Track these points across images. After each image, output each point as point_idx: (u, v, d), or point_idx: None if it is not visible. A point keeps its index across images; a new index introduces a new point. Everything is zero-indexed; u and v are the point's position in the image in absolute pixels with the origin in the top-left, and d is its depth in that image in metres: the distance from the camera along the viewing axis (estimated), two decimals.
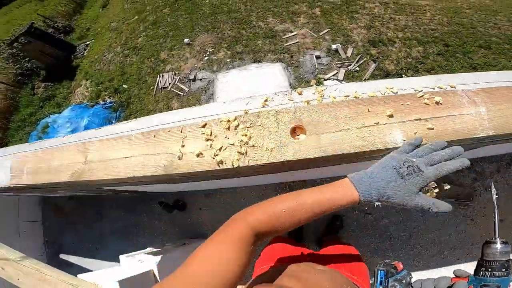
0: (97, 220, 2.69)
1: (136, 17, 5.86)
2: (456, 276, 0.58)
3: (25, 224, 2.58)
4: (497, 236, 0.56)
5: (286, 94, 0.88)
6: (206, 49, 4.56)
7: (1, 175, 1.37)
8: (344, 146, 0.66)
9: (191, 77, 4.44)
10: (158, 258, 1.69)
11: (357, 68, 3.45)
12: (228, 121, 0.73)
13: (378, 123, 0.67)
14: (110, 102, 4.67)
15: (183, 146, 0.75)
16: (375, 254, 2.08)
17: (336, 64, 3.63)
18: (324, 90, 0.85)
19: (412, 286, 0.62)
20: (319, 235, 2.16)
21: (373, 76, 3.33)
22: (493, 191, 0.62)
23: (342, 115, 0.70)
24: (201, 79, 4.37)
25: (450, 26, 3.70)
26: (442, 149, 0.56)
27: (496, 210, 0.59)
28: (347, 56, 3.64)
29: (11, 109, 5.97)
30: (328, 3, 4.38)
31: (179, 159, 0.73)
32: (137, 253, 1.86)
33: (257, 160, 0.69)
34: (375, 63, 3.47)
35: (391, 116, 0.68)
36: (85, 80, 5.37)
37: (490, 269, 0.53)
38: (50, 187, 1.35)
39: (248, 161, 0.69)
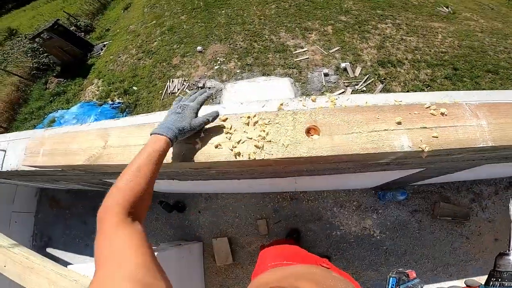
0: (92, 216, 2.69)
1: (154, 21, 6.08)
2: (467, 286, 0.60)
3: (17, 215, 2.56)
4: (510, 249, 0.60)
5: (301, 100, 0.94)
6: (218, 58, 4.69)
7: (12, 158, 1.42)
8: (355, 147, 0.71)
9: (200, 84, 4.52)
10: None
11: (364, 88, 3.53)
12: (248, 117, 0.79)
13: (387, 129, 0.73)
14: (119, 103, 4.76)
15: (202, 137, 0.80)
16: (370, 268, 2.08)
17: (344, 83, 3.72)
18: (336, 99, 0.91)
19: None
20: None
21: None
22: (511, 206, 0.66)
23: (354, 119, 0.75)
24: (209, 87, 4.47)
25: (460, 49, 3.79)
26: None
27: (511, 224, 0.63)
28: (355, 76, 3.74)
29: (20, 101, 6.09)
30: (341, 21, 4.54)
31: (199, 148, 0.78)
32: None
33: (272, 154, 0.73)
34: (382, 84, 3.56)
35: (399, 123, 0.73)
36: (98, 79, 5.50)
37: (500, 279, 0.56)
38: (59, 174, 1.39)
39: (264, 155, 0.74)
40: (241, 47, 4.71)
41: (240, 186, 1.88)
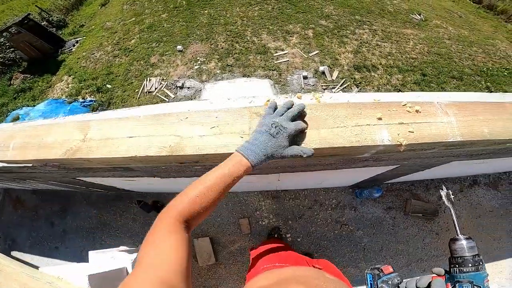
0: (61, 217, 2.52)
1: (133, 19, 5.88)
2: (435, 274, 0.61)
3: None
4: (459, 233, 0.62)
5: (287, 97, 0.97)
6: (198, 58, 4.63)
7: None
8: (341, 140, 0.74)
9: (179, 84, 4.43)
10: (133, 256, 1.61)
11: (341, 92, 3.68)
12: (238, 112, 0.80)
13: (369, 124, 0.77)
14: (90, 101, 4.54)
15: (191, 129, 0.79)
16: (350, 265, 2.16)
17: (322, 86, 3.85)
18: (321, 97, 0.95)
19: (399, 287, 0.66)
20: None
21: None
22: (443, 192, 0.70)
23: (339, 114, 0.79)
24: (188, 87, 4.38)
25: (429, 56, 4.08)
26: (292, 106, 0.72)
27: (452, 210, 0.67)
28: (332, 79, 3.89)
29: None
30: (321, 26, 4.70)
31: (186, 140, 0.77)
32: (108, 250, 1.74)
33: None
34: (357, 87, 3.74)
35: (380, 119, 0.78)
36: (68, 76, 5.21)
37: (457, 265, 0.57)
38: (28, 171, 1.30)
39: None
40: (222, 48, 4.70)
41: None
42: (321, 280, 0.69)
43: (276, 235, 2.23)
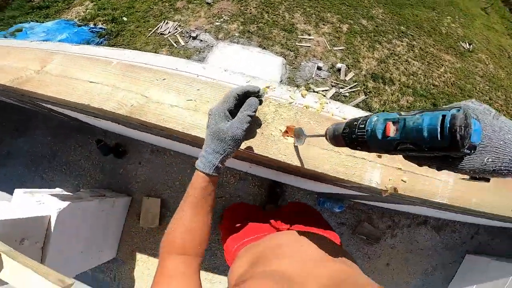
0: (13, 137, 2.27)
1: None
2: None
3: None
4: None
5: (290, 91, 0.83)
6: (222, 15, 4.35)
7: None
8: (327, 166, 0.64)
9: (193, 34, 4.24)
10: (64, 204, 1.35)
11: (347, 94, 3.54)
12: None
13: (365, 158, 0.67)
14: (100, 28, 4.39)
15: (164, 94, 0.66)
16: None
17: (332, 82, 3.70)
18: (326, 103, 0.82)
19: None
20: (263, 204, 2.18)
21: (356, 106, 3.45)
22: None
23: None
24: (201, 40, 4.16)
25: (451, 87, 3.90)
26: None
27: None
28: (345, 79, 3.72)
29: None
30: (360, 24, 4.38)
31: (153, 105, 0.64)
32: (40, 191, 1.49)
33: None
34: (365, 95, 3.60)
35: (380, 156, 0.67)
36: (90, 2, 4.86)
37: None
38: None
39: None
40: (250, 13, 4.39)
41: (194, 150, 1.74)
42: (297, 246, 0.65)
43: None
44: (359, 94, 3.55)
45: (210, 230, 0.57)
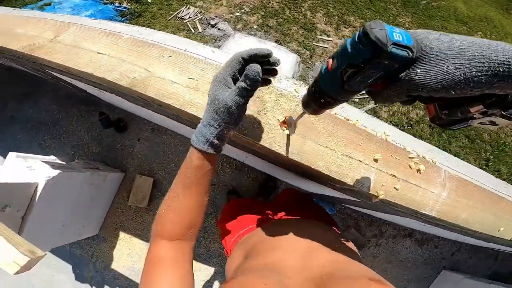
0: (19, 102, 2.29)
1: None
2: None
3: None
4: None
5: (295, 84, 0.82)
6: (244, 7, 4.35)
7: None
8: (320, 163, 0.63)
9: (212, 22, 4.26)
10: (55, 172, 1.30)
11: (357, 100, 3.50)
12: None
13: (361, 160, 0.66)
14: (124, 7, 4.52)
15: (168, 71, 0.66)
16: None
17: None
18: None
19: None
20: (255, 195, 2.16)
21: (367, 113, 3.39)
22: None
23: (337, 133, 0.66)
24: (219, 29, 4.18)
25: None
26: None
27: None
28: None
29: None
30: None
31: (154, 80, 0.64)
32: (33, 157, 1.44)
33: None
34: (375, 104, 3.54)
35: (376, 160, 0.67)
36: None
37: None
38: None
39: None
40: (272, 7, 4.36)
41: (192, 131, 1.72)
42: (286, 235, 0.63)
43: (234, 196, 2.15)
44: (369, 102, 3.49)
45: (204, 212, 0.54)
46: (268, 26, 4.14)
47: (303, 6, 4.39)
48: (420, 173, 0.69)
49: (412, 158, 0.69)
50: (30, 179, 1.20)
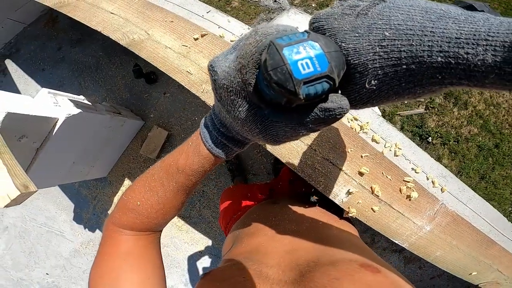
0: (71, 45, 2.49)
1: None
2: None
3: (9, 21, 2.33)
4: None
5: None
6: None
7: None
8: (295, 161, 0.59)
9: None
10: (76, 111, 1.30)
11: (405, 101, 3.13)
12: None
13: (344, 171, 0.59)
14: None
15: (166, 35, 0.65)
16: None
17: None
18: None
19: None
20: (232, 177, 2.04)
21: (410, 118, 3.04)
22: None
23: (325, 134, 0.60)
24: (275, 1, 3.94)
25: None
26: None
27: None
28: None
29: None
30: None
31: (150, 43, 0.64)
32: (63, 94, 1.47)
33: None
34: (425, 110, 3.12)
35: (361, 174, 0.60)
36: None
37: None
38: None
39: None
40: None
41: None
42: (274, 218, 0.57)
43: (241, 180, 2.09)
44: (419, 106, 3.09)
45: (180, 208, 0.42)
46: (328, 6, 3.81)
47: None
48: (409, 200, 0.60)
49: (407, 182, 0.61)
50: (52, 114, 1.21)
